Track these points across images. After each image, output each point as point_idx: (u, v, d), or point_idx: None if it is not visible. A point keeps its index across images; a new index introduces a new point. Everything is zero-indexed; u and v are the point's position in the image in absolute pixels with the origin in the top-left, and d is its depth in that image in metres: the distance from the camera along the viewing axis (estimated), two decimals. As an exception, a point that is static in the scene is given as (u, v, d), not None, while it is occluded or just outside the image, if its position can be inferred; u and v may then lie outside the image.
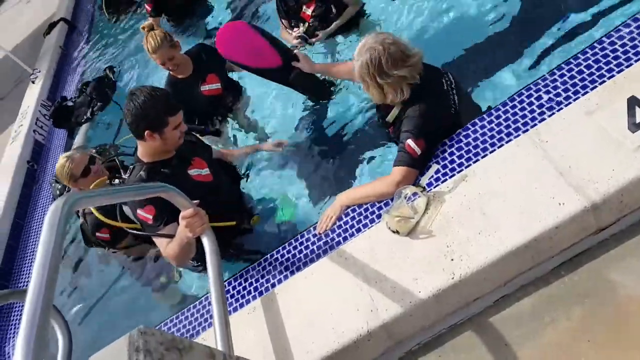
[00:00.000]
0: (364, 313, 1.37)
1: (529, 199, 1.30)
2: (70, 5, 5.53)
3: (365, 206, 1.65)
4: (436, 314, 1.37)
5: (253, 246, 1.97)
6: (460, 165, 1.53)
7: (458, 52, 2.12)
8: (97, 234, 2.22)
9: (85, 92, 3.73)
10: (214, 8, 3.63)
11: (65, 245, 2.59)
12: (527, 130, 1.46)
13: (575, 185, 1.27)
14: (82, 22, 5.25)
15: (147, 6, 3.37)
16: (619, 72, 1.42)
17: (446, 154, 1.58)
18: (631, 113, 1.30)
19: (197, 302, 1.83)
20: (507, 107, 1.56)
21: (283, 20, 2.66)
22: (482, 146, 1.53)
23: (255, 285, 1.71)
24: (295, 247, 1.72)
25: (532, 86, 1.55)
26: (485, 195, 1.38)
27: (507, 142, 1.47)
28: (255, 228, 2.02)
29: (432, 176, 1.54)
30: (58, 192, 2.83)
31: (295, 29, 2.59)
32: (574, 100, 1.44)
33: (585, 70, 1.49)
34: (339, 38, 2.59)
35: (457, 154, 1.56)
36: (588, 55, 1.52)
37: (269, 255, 1.76)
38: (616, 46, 1.49)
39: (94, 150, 2.96)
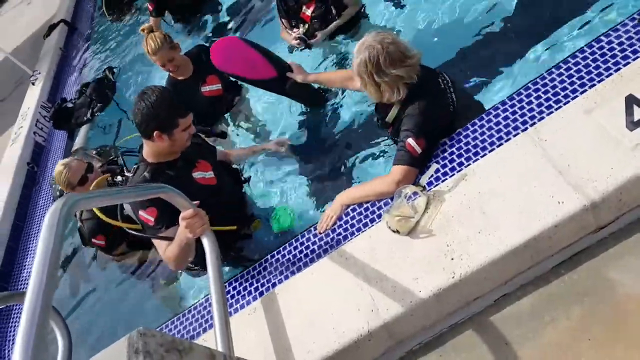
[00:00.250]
0: (364, 313, 1.37)
1: (528, 197, 1.31)
2: (71, 7, 5.54)
3: (365, 206, 1.65)
4: (437, 313, 1.37)
5: (253, 249, 1.97)
6: (460, 164, 1.53)
7: (458, 52, 2.13)
8: (93, 240, 2.24)
9: (85, 93, 3.74)
10: (217, 9, 3.62)
11: (64, 246, 2.59)
12: (526, 129, 1.46)
13: (574, 183, 1.27)
14: (82, 24, 5.26)
15: (149, 5, 3.38)
16: (617, 70, 1.43)
17: (446, 154, 1.58)
18: (629, 111, 1.31)
19: (197, 303, 1.83)
20: (506, 106, 1.56)
21: (283, 20, 2.67)
22: (481, 145, 1.53)
23: (255, 285, 1.71)
24: (295, 248, 1.72)
25: (530, 85, 1.56)
26: (485, 194, 1.38)
27: (506, 141, 1.48)
28: (256, 232, 2.02)
29: (432, 175, 1.54)
30: (58, 194, 2.83)
31: (295, 30, 2.60)
32: (573, 99, 1.45)
33: (583, 68, 1.50)
34: (339, 39, 2.59)
35: (457, 153, 1.56)
36: (586, 54, 1.52)
37: (269, 255, 1.76)
38: (614, 45, 1.49)
39: (94, 152, 2.97)
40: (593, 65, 1.49)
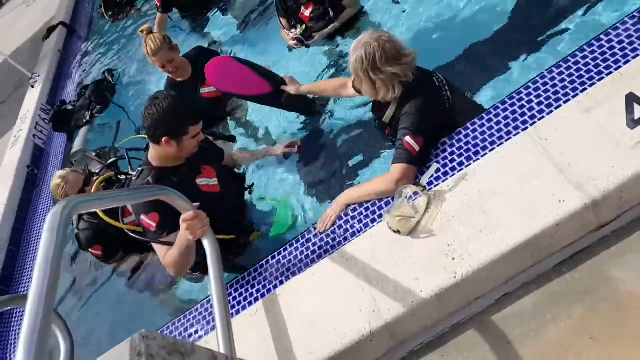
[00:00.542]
0: (366, 313, 1.37)
1: (529, 196, 1.31)
2: (70, 9, 5.54)
3: (365, 206, 1.65)
4: (438, 313, 1.37)
5: (251, 258, 1.96)
6: (460, 164, 1.53)
7: (457, 52, 2.13)
8: (90, 250, 2.24)
9: (84, 95, 3.74)
10: (224, 7, 3.61)
11: (65, 249, 2.59)
12: (526, 128, 1.46)
13: (575, 182, 1.27)
14: (81, 26, 5.26)
15: (156, 1, 3.39)
16: (617, 69, 1.43)
17: (446, 153, 1.58)
18: (629, 110, 1.31)
19: (198, 305, 1.83)
20: (507, 106, 1.56)
21: (282, 20, 2.67)
22: (482, 145, 1.53)
23: (257, 287, 1.71)
24: (296, 249, 1.72)
25: (530, 84, 1.56)
26: (486, 193, 1.38)
27: (506, 141, 1.47)
28: (255, 242, 2.01)
29: (433, 175, 1.54)
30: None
31: (292, 30, 2.60)
32: (573, 97, 1.44)
33: (583, 67, 1.50)
34: (337, 40, 2.59)
35: (458, 152, 1.56)
36: (586, 52, 1.52)
37: (270, 257, 1.76)
38: (614, 43, 1.49)
39: (94, 153, 2.97)
40: (593, 63, 1.49)
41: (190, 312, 1.83)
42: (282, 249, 1.75)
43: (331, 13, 2.51)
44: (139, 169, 1.69)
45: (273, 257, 1.75)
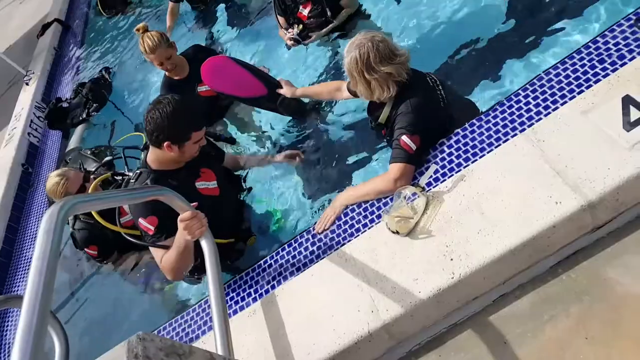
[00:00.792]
0: (364, 314, 1.37)
1: (526, 198, 1.31)
2: (64, 6, 5.49)
3: (364, 206, 1.65)
4: (436, 313, 1.38)
5: (250, 257, 1.96)
6: (458, 165, 1.53)
7: (455, 53, 2.13)
8: (86, 249, 2.23)
9: (81, 93, 3.70)
10: (224, 4, 3.58)
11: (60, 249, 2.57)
12: (523, 130, 1.47)
13: (572, 184, 1.28)
14: (77, 23, 5.21)
15: None
16: (613, 71, 1.44)
17: (445, 154, 1.58)
18: (626, 112, 1.32)
19: (196, 306, 1.82)
20: (504, 107, 1.57)
21: (280, 19, 2.66)
22: (479, 146, 1.53)
23: (255, 287, 1.71)
24: (295, 249, 1.71)
25: (528, 86, 1.56)
26: (484, 194, 1.39)
27: (504, 142, 1.48)
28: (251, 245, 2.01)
29: (431, 176, 1.54)
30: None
31: (290, 30, 2.60)
32: (570, 99, 1.45)
33: (580, 69, 1.51)
34: (335, 39, 2.59)
35: (456, 154, 1.56)
36: (583, 54, 1.53)
37: (268, 257, 1.75)
38: (610, 45, 1.50)
39: (89, 152, 2.95)
40: (589, 65, 1.50)
41: (188, 313, 1.82)
42: (280, 250, 1.74)
43: (329, 13, 2.51)
44: (137, 171, 1.67)
45: (271, 258, 1.74)
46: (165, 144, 1.53)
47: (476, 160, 1.50)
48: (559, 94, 1.49)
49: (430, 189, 1.52)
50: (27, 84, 4.44)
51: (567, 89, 1.49)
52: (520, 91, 1.57)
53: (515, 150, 1.42)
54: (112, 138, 3.29)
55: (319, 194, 2.05)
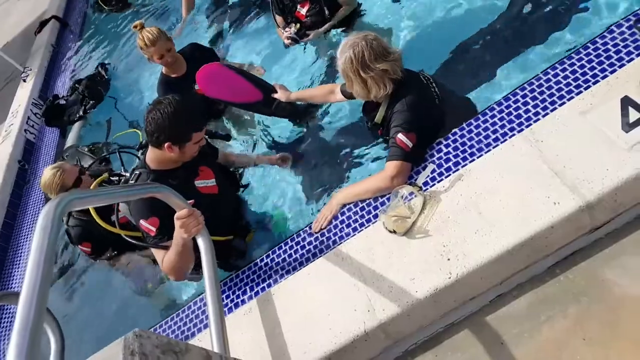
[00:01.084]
0: (361, 313, 1.37)
1: (524, 198, 1.31)
2: (62, 3, 5.46)
3: (361, 206, 1.64)
4: (433, 313, 1.38)
5: (247, 256, 1.95)
6: (456, 164, 1.53)
7: (453, 52, 2.13)
8: (80, 246, 2.22)
9: (77, 90, 3.69)
10: (225, 3, 3.55)
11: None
12: (522, 130, 1.47)
13: (570, 184, 1.28)
14: (74, 20, 5.19)
15: None
16: (612, 72, 1.44)
17: (442, 154, 1.58)
18: (624, 113, 1.32)
19: (192, 303, 1.81)
20: (502, 107, 1.57)
21: (277, 18, 2.66)
22: (477, 146, 1.53)
23: (251, 285, 1.70)
24: (291, 247, 1.71)
25: (526, 86, 1.56)
26: (481, 194, 1.39)
27: (502, 142, 1.48)
28: (249, 241, 2.00)
29: (429, 176, 1.54)
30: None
31: (287, 29, 2.59)
32: (568, 100, 1.45)
33: (578, 70, 1.51)
34: (333, 38, 2.59)
35: (453, 153, 1.56)
36: (582, 55, 1.53)
37: (264, 255, 1.75)
38: (609, 46, 1.50)
39: (86, 149, 2.93)
40: (588, 66, 1.50)
41: (184, 311, 1.82)
42: (277, 248, 1.74)
43: (327, 12, 2.51)
44: (136, 172, 1.66)
45: (268, 256, 1.74)
46: (166, 144, 1.53)
47: (474, 160, 1.50)
48: (558, 94, 1.49)
49: (428, 189, 1.51)
50: (24, 80, 4.42)
51: (566, 89, 1.49)
52: (518, 91, 1.57)
53: (513, 151, 1.42)
54: (109, 135, 3.28)
55: (315, 192, 2.05)
